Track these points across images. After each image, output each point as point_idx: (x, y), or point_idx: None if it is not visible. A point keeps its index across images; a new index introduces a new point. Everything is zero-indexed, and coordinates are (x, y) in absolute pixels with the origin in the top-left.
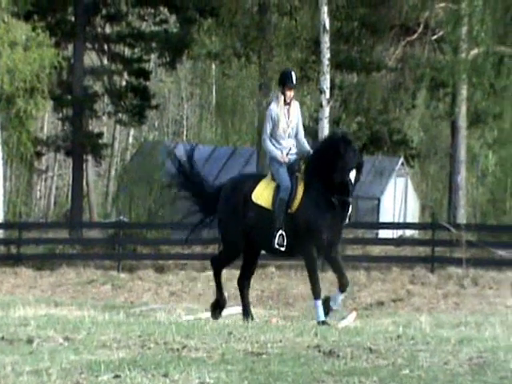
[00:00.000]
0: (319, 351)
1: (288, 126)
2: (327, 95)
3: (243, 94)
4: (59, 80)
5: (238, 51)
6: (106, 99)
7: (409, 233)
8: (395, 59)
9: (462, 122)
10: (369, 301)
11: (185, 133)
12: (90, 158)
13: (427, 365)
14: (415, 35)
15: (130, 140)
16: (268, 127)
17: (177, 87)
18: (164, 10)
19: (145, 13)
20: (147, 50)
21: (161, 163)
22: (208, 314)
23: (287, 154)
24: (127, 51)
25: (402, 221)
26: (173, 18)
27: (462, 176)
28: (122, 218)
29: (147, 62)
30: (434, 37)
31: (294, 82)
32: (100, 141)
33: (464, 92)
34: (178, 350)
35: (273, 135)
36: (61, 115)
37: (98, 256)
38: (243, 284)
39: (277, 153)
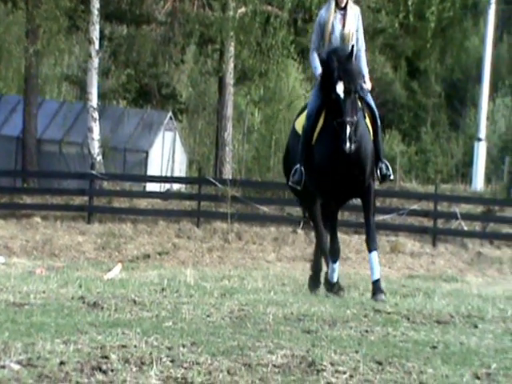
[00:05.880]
0: (83, 302)
1: (343, 35)
2: (96, 46)
3: (9, 40)
4: None
5: None
6: None
7: (176, 187)
8: (165, 13)
9: (230, 78)
10: (135, 253)
11: None
12: None
13: (190, 317)
14: None
15: None
16: (315, 37)
17: None
18: None
19: None
20: None
21: None
22: None
23: None
24: None
25: (169, 175)
26: None
27: (229, 132)
28: None
29: None
30: None
31: None
32: None
33: (232, 49)
34: None
35: (324, 46)
36: None
37: None
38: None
39: (319, 71)
